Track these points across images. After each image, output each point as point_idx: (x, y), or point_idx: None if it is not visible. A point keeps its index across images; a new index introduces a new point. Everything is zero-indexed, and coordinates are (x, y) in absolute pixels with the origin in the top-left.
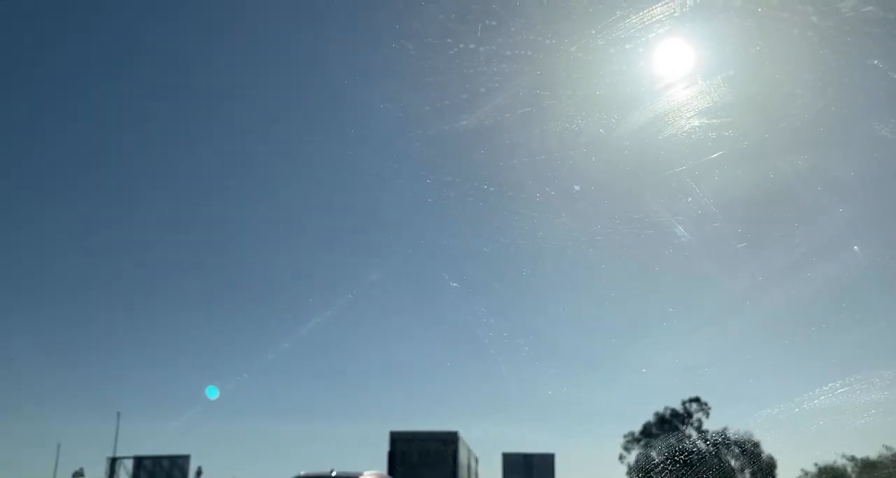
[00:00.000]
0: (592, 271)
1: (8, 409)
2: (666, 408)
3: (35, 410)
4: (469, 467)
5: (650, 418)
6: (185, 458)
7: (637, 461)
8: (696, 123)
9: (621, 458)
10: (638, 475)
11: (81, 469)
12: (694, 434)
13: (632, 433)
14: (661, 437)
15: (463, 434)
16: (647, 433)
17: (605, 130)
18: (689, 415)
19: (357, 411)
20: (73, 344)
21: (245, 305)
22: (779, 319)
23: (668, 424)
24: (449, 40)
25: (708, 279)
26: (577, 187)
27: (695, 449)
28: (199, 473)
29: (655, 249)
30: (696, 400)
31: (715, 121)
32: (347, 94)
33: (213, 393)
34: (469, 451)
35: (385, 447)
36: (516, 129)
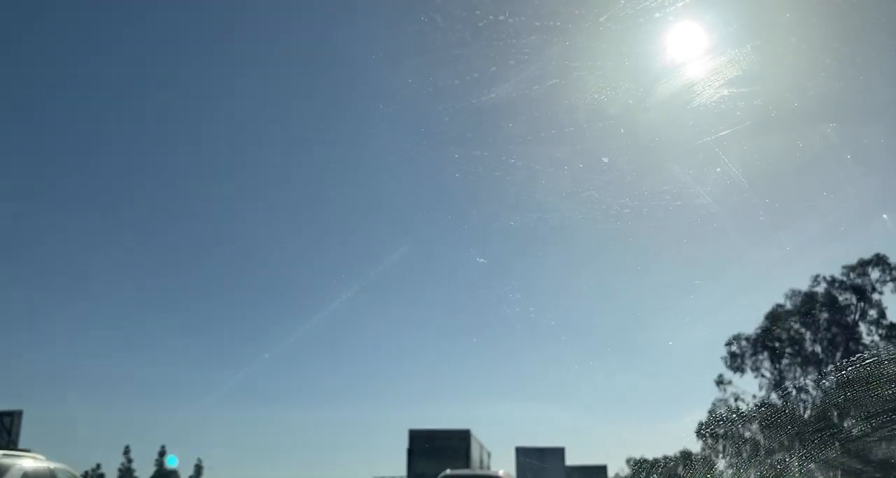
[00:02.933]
0: (620, 244)
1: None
2: (817, 279)
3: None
4: (481, 460)
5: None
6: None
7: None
8: (725, 92)
9: (720, 381)
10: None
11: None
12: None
13: (739, 338)
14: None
15: (478, 427)
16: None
17: (633, 101)
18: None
19: (373, 399)
20: (111, 338)
21: (271, 286)
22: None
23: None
24: (478, 12)
25: (737, 251)
26: (605, 159)
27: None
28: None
29: (684, 221)
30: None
31: (744, 90)
32: (375, 70)
33: (172, 462)
34: (481, 446)
35: (403, 437)
36: (545, 101)
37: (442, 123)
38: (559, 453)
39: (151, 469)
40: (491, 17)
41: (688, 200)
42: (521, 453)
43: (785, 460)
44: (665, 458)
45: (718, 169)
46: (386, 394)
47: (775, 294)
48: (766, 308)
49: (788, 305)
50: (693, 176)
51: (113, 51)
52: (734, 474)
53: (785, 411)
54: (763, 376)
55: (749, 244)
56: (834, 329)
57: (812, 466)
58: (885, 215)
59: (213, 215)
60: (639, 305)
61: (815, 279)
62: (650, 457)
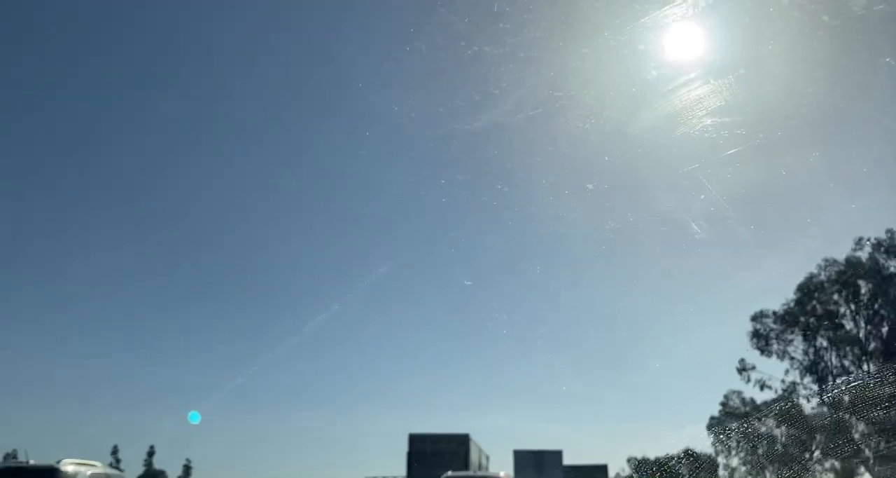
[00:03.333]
0: (606, 268)
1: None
2: (860, 242)
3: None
4: (480, 464)
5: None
6: None
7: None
8: (709, 121)
9: (743, 368)
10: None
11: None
12: None
13: (764, 315)
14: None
15: (475, 434)
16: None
17: (617, 130)
18: None
19: (370, 404)
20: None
21: (255, 302)
22: None
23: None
24: (462, 43)
25: (722, 275)
26: (590, 186)
27: None
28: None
29: (669, 246)
30: None
31: (727, 119)
32: (362, 96)
33: (194, 418)
34: (480, 450)
35: (398, 442)
36: (529, 128)
37: (427, 148)
38: (557, 455)
39: (140, 470)
40: (475, 48)
41: (673, 225)
42: (519, 456)
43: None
44: (668, 457)
45: (703, 196)
46: (381, 398)
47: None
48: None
49: (823, 276)
50: (678, 202)
51: (111, 52)
52: (751, 472)
53: (821, 399)
54: (792, 358)
55: (734, 269)
56: (879, 301)
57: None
58: (868, 242)
59: (211, 221)
60: (624, 324)
61: (858, 243)
62: (652, 456)
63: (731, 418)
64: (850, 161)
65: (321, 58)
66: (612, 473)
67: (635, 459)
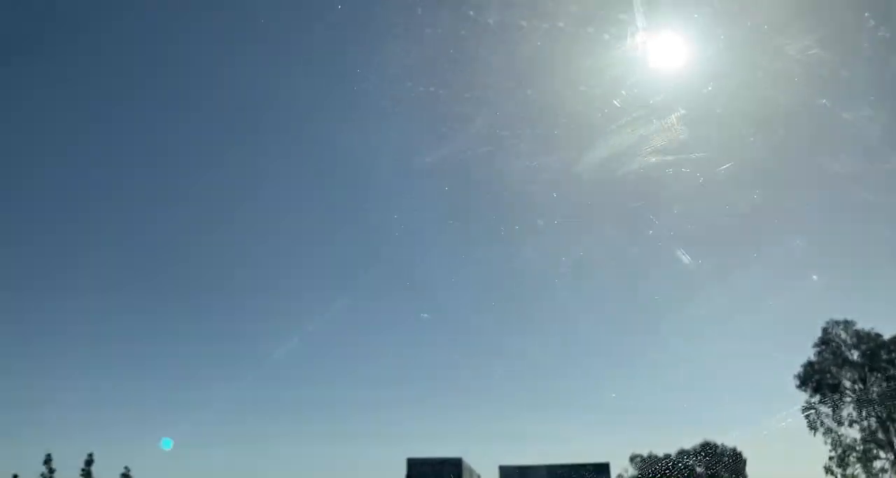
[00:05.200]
0: (557, 303)
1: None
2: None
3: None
4: None
5: None
6: None
7: None
8: (653, 159)
9: None
10: None
11: None
12: None
13: None
14: None
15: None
16: None
17: (564, 168)
18: None
19: (340, 431)
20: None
21: (223, 329)
22: (741, 346)
23: None
24: (409, 83)
25: (671, 309)
26: (539, 222)
27: None
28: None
29: (619, 282)
30: None
31: (671, 158)
32: (311, 126)
33: (167, 445)
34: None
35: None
36: (478, 166)
37: (381, 182)
38: (541, 471)
39: None
40: (422, 89)
41: (622, 261)
42: (505, 471)
43: None
44: (682, 451)
45: (651, 231)
46: (361, 421)
47: (713, 348)
48: (702, 361)
49: None
50: (626, 238)
51: (111, 51)
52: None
53: None
54: None
55: (684, 301)
56: None
57: None
58: (814, 276)
59: (186, 235)
60: (576, 360)
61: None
62: (660, 453)
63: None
64: (792, 198)
65: (271, 92)
66: (614, 473)
67: (640, 457)
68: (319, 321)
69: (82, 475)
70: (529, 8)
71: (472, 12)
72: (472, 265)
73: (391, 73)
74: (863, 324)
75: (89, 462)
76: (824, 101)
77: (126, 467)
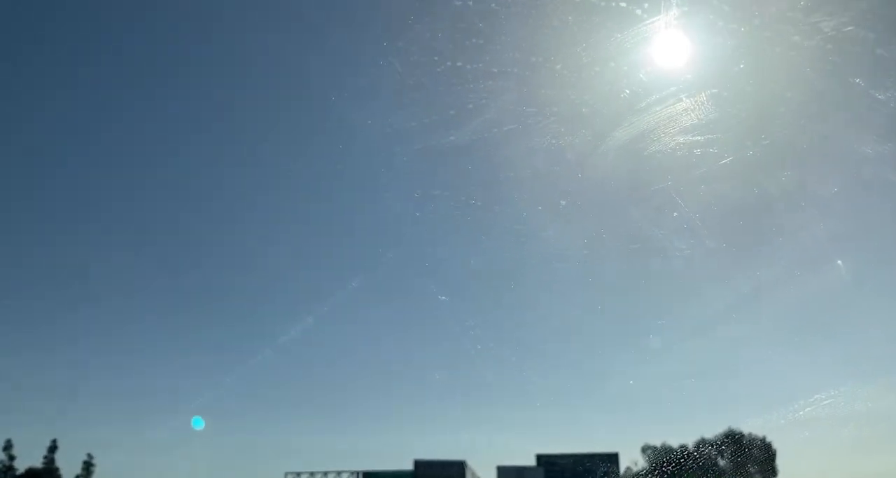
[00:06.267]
0: (579, 285)
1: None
2: None
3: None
4: None
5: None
6: None
7: None
8: (681, 139)
9: None
10: None
11: None
12: None
13: None
14: None
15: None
16: None
17: (590, 147)
18: None
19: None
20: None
21: (222, 320)
22: (763, 332)
23: None
24: (436, 58)
25: (694, 292)
26: (563, 202)
27: None
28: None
29: (642, 263)
30: None
31: (699, 137)
32: (335, 111)
33: (197, 423)
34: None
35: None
36: (503, 145)
37: (401, 163)
38: (538, 472)
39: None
40: (449, 63)
41: (645, 242)
42: (503, 472)
43: None
44: (701, 440)
45: (675, 213)
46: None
47: (731, 336)
48: (722, 347)
49: None
50: (650, 219)
51: (119, 49)
52: None
53: None
54: None
55: (707, 285)
56: None
57: None
58: (839, 261)
59: (177, 235)
60: (600, 343)
61: None
62: (675, 443)
63: None
64: (821, 181)
65: (294, 71)
66: (623, 465)
67: (652, 447)
68: (321, 313)
69: (44, 462)
70: None
71: None
72: (492, 246)
73: (417, 47)
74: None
75: (52, 449)
76: (858, 80)
77: (89, 454)
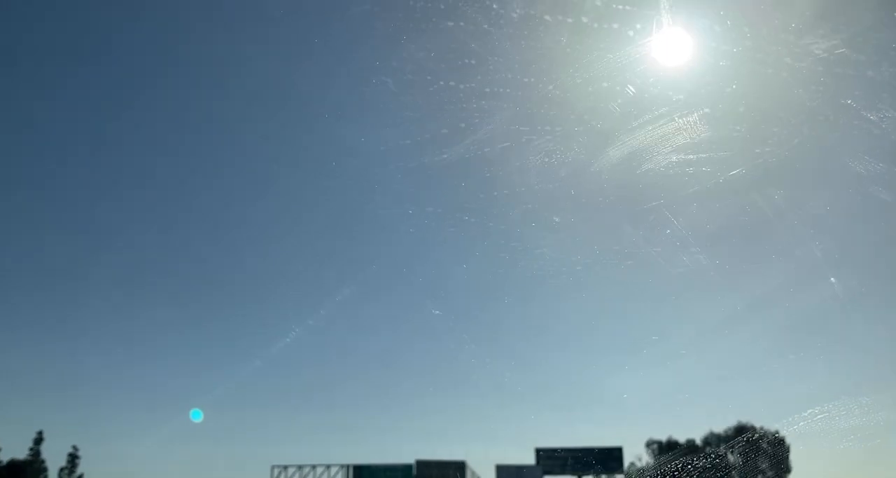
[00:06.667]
0: (573, 301)
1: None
2: None
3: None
4: None
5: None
6: None
7: None
8: (674, 158)
9: None
10: None
11: None
12: None
13: None
14: None
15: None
16: None
17: (583, 165)
18: None
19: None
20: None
21: (234, 311)
22: (756, 347)
23: None
24: (429, 77)
25: (687, 309)
26: (556, 219)
27: None
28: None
29: (635, 280)
30: None
31: (692, 156)
32: (328, 128)
33: (196, 416)
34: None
35: None
36: (496, 162)
37: (395, 180)
38: (537, 471)
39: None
40: (441, 83)
41: (639, 259)
42: (502, 471)
43: None
44: (711, 434)
45: (668, 230)
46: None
47: (725, 352)
48: (714, 363)
49: None
50: (643, 237)
51: (116, 48)
52: None
53: None
54: None
55: (700, 302)
56: None
57: None
58: (832, 279)
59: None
60: (593, 358)
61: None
62: (682, 439)
63: None
64: (813, 200)
65: (287, 89)
66: (627, 461)
67: (657, 443)
68: (319, 319)
69: (30, 454)
70: (553, 2)
71: (495, 5)
72: (486, 262)
73: (410, 66)
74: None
75: (38, 441)
76: (849, 101)
77: (74, 447)
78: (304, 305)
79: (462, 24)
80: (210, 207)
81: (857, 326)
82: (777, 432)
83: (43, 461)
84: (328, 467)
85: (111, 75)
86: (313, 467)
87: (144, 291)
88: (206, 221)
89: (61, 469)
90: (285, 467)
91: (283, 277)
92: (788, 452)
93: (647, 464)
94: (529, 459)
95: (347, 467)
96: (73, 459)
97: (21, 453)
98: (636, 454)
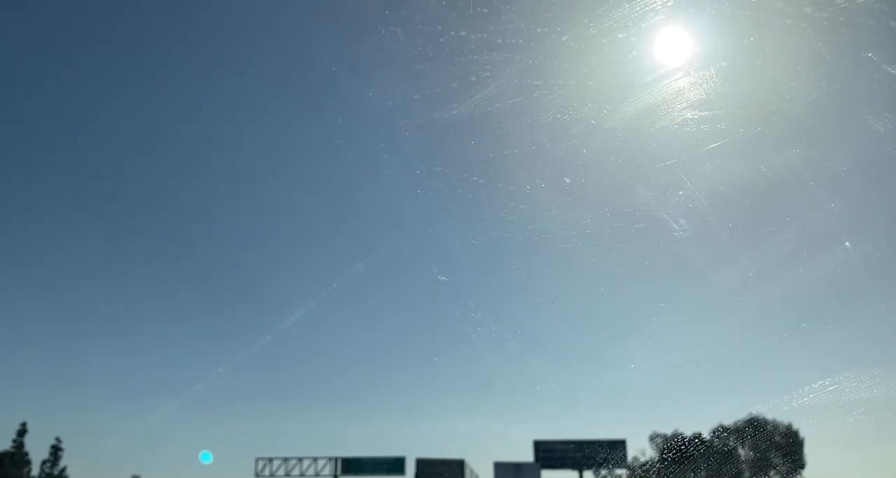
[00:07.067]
0: (582, 265)
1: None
2: None
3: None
4: None
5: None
6: None
7: None
8: (689, 114)
9: None
10: None
11: None
12: None
13: None
14: None
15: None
16: None
17: (596, 122)
18: None
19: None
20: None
21: (224, 302)
22: (769, 315)
23: None
24: (439, 27)
25: (699, 274)
26: (567, 179)
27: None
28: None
29: (646, 243)
30: None
31: (707, 113)
32: (334, 83)
33: (206, 458)
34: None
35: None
36: (507, 119)
37: (403, 138)
38: (535, 468)
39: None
40: (452, 33)
41: (650, 221)
42: (500, 468)
43: None
44: (720, 426)
45: (681, 192)
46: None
47: (739, 317)
48: (726, 331)
49: None
50: (656, 198)
51: (116, 43)
52: None
53: None
54: None
55: (713, 267)
56: None
57: None
58: (847, 243)
59: (175, 220)
60: (601, 326)
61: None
62: (688, 431)
63: None
64: (831, 159)
65: (294, 41)
66: (630, 454)
67: (662, 436)
68: (319, 297)
69: (13, 446)
70: None
71: None
72: (495, 226)
73: (420, 16)
74: None
75: (22, 433)
76: (870, 54)
77: (57, 438)
78: (308, 279)
79: None
80: (216, 170)
81: (872, 294)
82: (790, 425)
83: (26, 454)
84: (315, 459)
85: (111, 68)
86: (300, 459)
87: (129, 284)
88: (204, 188)
89: (44, 461)
90: (270, 460)
91: (275, 262)
92: (802, 446)
93: (652, 458)
94: (528, 450)
95: (335, 459)
96: (55, 451)
97: (4, 444)
98: (640, 448)
